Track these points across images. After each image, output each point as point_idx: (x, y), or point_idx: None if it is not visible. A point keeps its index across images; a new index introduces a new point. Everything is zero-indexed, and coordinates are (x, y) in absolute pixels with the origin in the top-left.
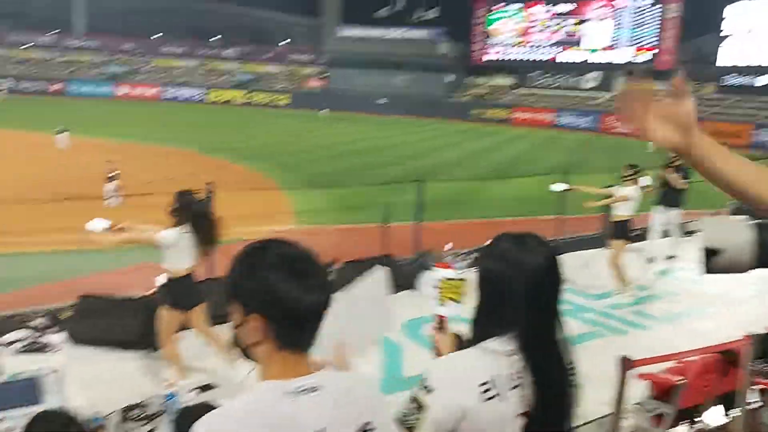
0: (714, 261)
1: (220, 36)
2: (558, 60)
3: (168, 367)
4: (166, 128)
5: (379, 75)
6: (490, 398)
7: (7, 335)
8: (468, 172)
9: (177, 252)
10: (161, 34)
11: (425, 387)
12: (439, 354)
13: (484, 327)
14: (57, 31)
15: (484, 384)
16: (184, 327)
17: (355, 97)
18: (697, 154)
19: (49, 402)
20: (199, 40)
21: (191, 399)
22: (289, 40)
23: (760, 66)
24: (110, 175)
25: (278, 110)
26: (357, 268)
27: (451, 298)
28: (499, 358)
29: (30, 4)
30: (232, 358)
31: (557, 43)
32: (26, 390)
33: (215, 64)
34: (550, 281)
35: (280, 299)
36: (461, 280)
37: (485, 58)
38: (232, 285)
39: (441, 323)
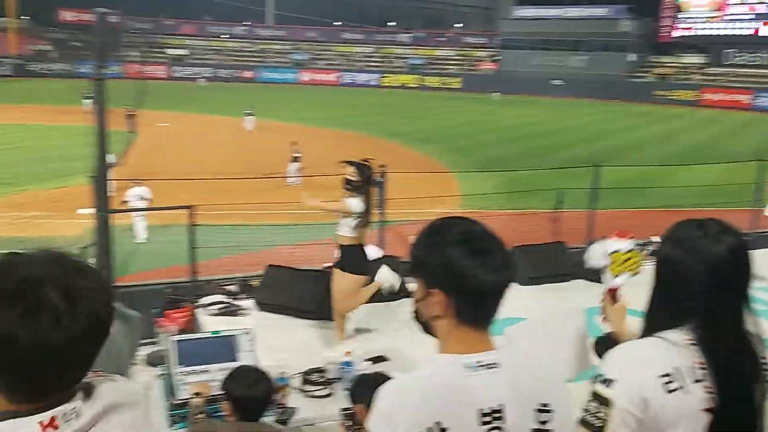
0: None
1: (395, 22)
2: (758, 35)
3: (341, 335)
4: (342, 112)
5: (554, 56)
6: (672, 390)
7: (207, 298)
8: (649, 158)
9: (355, 221)
10: (341, 22)
11: (605, 380)
12: (611, 326)
13: (660, 316)
14: (249, 22)
15: (665, 375)
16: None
17: (529, 79)
18: None
19: (243, 359)
20: (376, 27)
21: (366, 368)
22: (462, 24)
23: None
24: (295, 155)
25: (450, 93)
26: (526, 253)
27: (625, 270)
28: (679, 350)
29: None
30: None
31: (759, 16)
32: (226, 346)
33: (390, 50)
34: (734, 271)
35: (461, 275)
36: (636, 251)
37: (674, 34)
38: (415, 260)
39: (613, 295)
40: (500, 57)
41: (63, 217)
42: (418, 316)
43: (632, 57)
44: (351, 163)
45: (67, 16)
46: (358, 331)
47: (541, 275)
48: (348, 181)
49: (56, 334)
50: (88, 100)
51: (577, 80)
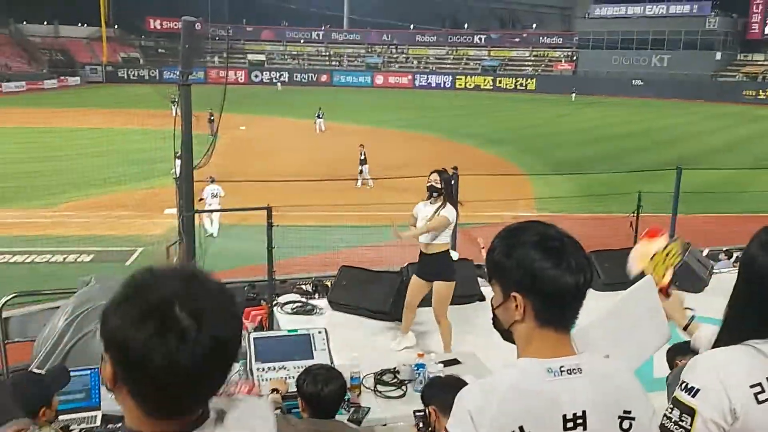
0: None
1: (469, 24)
2: None
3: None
4: (415, 114)
5: (633, 55)
6: (764, 401)
7: (283, 296)
8: (736, 161)
9: (449, 229)
10: (414, 25)
11: (689, 389)
12: (675, 322)
13: (746, 323)
14: (324, 27)
15: (756, 385)
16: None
17: (607, 80)
18: None
19: (318, 358)
20: (450, 29)
21: (438, 370)
22: (535, 25)
23: None
24: (362, 158)
25: (525, 94)
26: (602, 258)
27: (669, 266)
28: None
29: (304, 2)
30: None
31: None
32: (302, 345)
33: (464, 51)
34: None
35: (540, 277)
36: (671, 243)
37: (766, 31)
38: (493, 264)
39: (666, 293)
40: (576, 57)
41: (149, 216)
42: (497, 323)
43: (719, 55)
44: (436, 171)
45: (155, 24)
46: (430, 332)
47: (617, 281)
48: (433, 188)
49: (183, 355)
50: (173, 105)
51: (659, 80)
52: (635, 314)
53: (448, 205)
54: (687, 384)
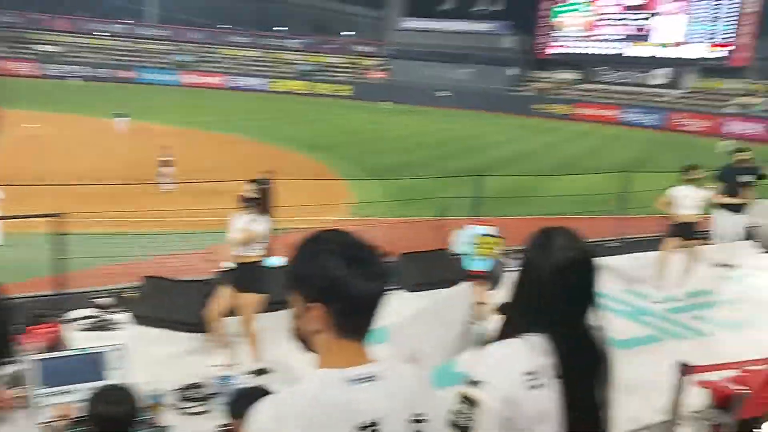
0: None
1: (284, 27)
2: (625, 54)
3: (223, 349)
4: (228, 116)
5: (441, 68)
6: (535, 387)
7: (74, 312)
8: (529, 168)
9: (263, 239)
10: (227, 24)
11: (473, 381)
12: (483, 308)
13: (519, 317)
14: (130, 20)
15: (529, 373)
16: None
17: (417, 90)
18: None
19: (111, 378)
20: (264, 31)
21: (246, 382)
22: (353, 32)
23: None
24: (164, 160)
25: (340, 101)
26: (412, 260)
27: (488, 254)
28: (541, 350)
29: None
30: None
31: (625, 38)
32: (90, 365)
33: (278, 54)
34: (583, 277)
35: (340, 287)
36: (498, 237)
37: (549, 51)
38: (293, 274)
39: (480, 278)
40: (391, 66)
41: None
42: (297, 333)
43: (513, 71)
44: (251, 180)
45: None
46: (241, 343)
47: (426, 281)
48: (246, 199)
49: None
50: None
51: (464, 92)
52: (448, 317)
53: (264, 217)
54: (471, 378)
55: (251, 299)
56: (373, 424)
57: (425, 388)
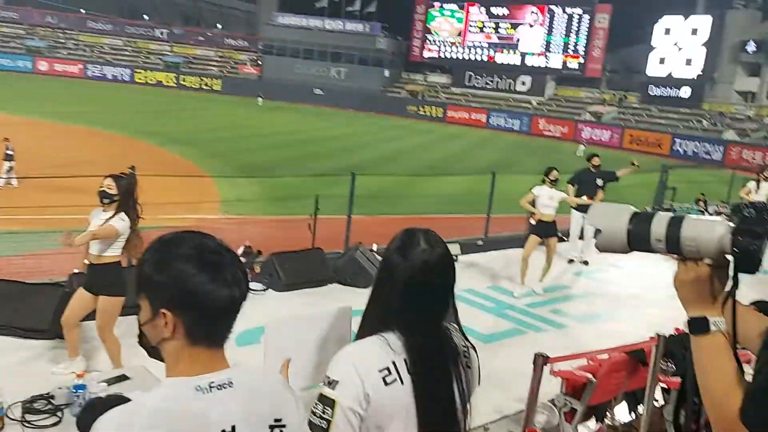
0: (599, 240)
1: (150, 15)
2: (493, 61)
3: (77, 357)
4: (88, 107)
5: (315, 66)
6: (390, 383)
7: None
8: (403, 168)
9: (121, 239)
10: (88, 10)
11: (329, 382)
12: None
13: (374, 314)
14: None
15: (384, 369)
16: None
17: (291, 87)
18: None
19: None
20: (128, 19)
21: (101, 390)
22: (221, 25)
23: (683, 79)
24: (8, 153)
25: (210, 95)
26: (284, 259)
27: None
28: (396, 347)
29: None
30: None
31: (493, 45)
32: None
33: (144, 44)
34: (439, 276)
35: (194, 293)
36: None
37: (424, 55)
38: (142, 278)
39: None
40: (263, 62)
41: None
42: (143, 340)
43: (387, 73)
44: (111, 176)
45: None
46: (97, 349)
47: (299, 281)
48: (104, 194)
49: None
50: None
51: (338, 91)
52: (325, 338)
53: (121, 215)
54: (328, 378)
55: (108, 302)
56: (230, 431)
57: (284, 392)
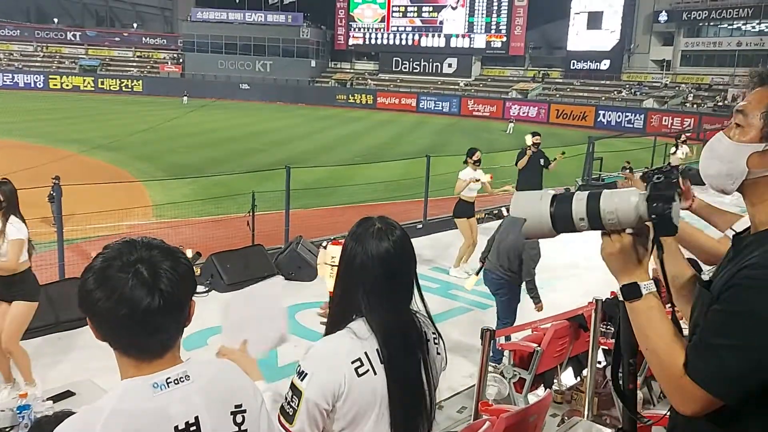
0: (524, 228)
1: (60, 18)
2: (419, 45)
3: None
4: (3, 117)
5: (239, 60)
6: (363, 373)
7: None
8: (337, 158)
9: (25, 245)
10: None
11: (300, 373)
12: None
13: (342, 306)
14: None
15: (356, 361)
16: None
17: (216, 83)
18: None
19: None
20: (37, 24)
21: (46, 408)
22: (136, 24)
23: (601, 51)
24: None
25: (132, 96)
26: (223, 259)
27: None
28: (365, 337)
29: None
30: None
31: (417, 29)
32: None
33: (57, 48)
34: (400, 261)
35: (96, 306)
36: None
37: (349, 43)
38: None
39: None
40: (183, 59)
41: None
42: None
43: (313, 63)
44: None
45: None
46: (35, 366)
47: (242, 280)
48: None
49: None
50: None
51: (264, 84)
52: (258, 309)
53: (13, 221)
54: (300, 369)
55: (19, 309)
56: (193, 423)
57: (241, 381)
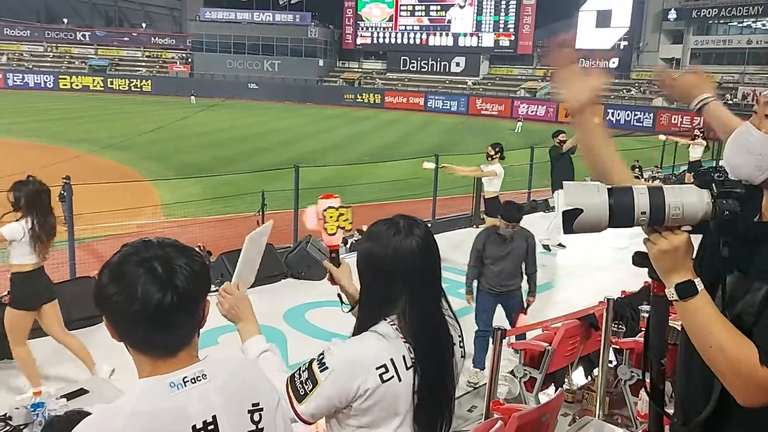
0: (576, 221)
1: (70, 19)
2: (427, 44)
3: (24, 375)
4: (13, 118)
5: (248, 60)
6: (388, 380)
7: None
8: (345, 157)
9: (23, 247)
10: (1, 17)
11: (322, 363)
12: (337, 284)
13: (370, 310)
14: None
15: (381, 367)
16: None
17: (224, 83)
18: (586, 121)
19: None
20: (47, 24)
21: (60, 407)
22: (145, 24)
23: (610, 50)
24: None
25: (141, 96)
26: (234, 258)
27: (339, 227)
28: (390, 340)
29: None
30: (92, 361)
31: (425, 28)
32: None
33: (66, 48)
34: (426, 260)
35: (110, 302)
36: (347, 207)
37: (357, 42)
38: (99, 296)
39: (334, 254)
40: (191, 59)
41: None
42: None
43: (321, 62)
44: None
45: None
46: (50, 364)
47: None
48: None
49: None
50: None
51: (272, 84)
52: (256, 252)
53: (19, 221)
54: (323, 359)
55: (7, 313)
56: (211, 422)
57: (259, 378)
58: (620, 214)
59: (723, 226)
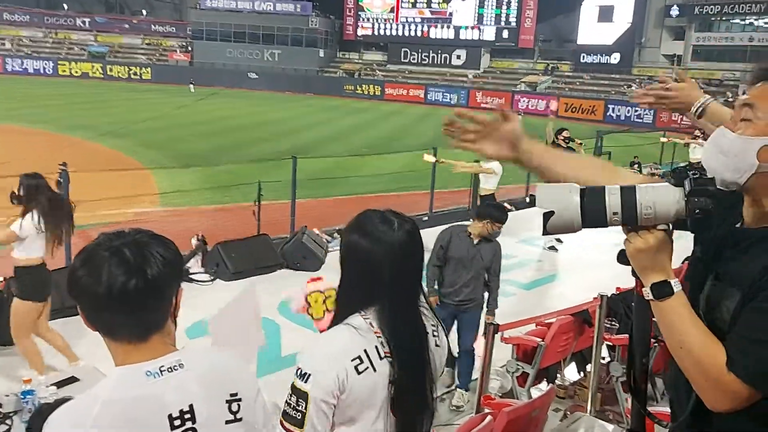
0: (549, 223)
1: (70, 4)
2: (427, 37)
3: (25, 363)
4: (11, 104)
5: (248, 49)
6: (363, 371)
7: None
8: (343, 149)
9: (30, 241)
10: (0, 2)
11: (302, 375)
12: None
13: (348, 302)
14: None
15: (355, 359)
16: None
17: (224, 72)
18: (532, 162)
19: None
20: (46, 9)
21: (50, 395)
22: (146, 11)
23: (612, 45)
24: None
25: (140, 84)
26: (230, 248)
27: (326, 310)
28: (364, 332)
29: None
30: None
31: (426, 20)
32: None
33: (66, 34)
34: (412, 254)
35: (78, 285)
36: (334, 288)
37: (358, 33)
38: (74, 285)
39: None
40: (192, 47)
41: None
42: None
43: (322, 53)
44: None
45: None
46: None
47: (247, 268)
48: (12, 195)
49: None
50: None
51: (272, 73)
52: (239, 317)
53: (27, 216)
54: (300, 370)
55: (14, 306)
56: (188, 411)
57: (238, 369)
58: (592, 215)
59: (696, 224)
